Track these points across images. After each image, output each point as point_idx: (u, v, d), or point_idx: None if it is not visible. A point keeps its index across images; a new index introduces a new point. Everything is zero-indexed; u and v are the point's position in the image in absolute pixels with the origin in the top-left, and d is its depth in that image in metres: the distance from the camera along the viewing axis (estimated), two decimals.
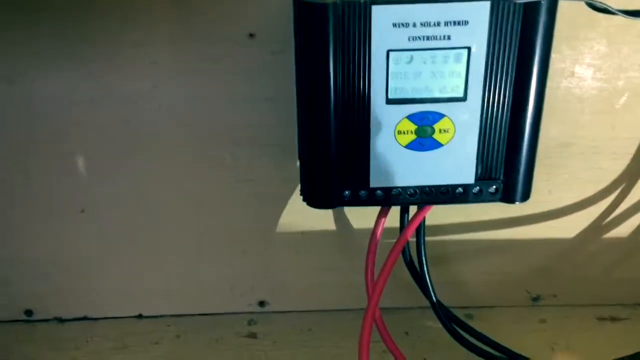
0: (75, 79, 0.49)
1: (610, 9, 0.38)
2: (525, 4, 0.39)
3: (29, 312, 0.59)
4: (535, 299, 0.60)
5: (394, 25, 0.39)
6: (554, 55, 0.42)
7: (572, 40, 0.49)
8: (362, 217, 0.54)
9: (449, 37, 0.40)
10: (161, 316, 0.60)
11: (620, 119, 0.52)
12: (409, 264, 0.52)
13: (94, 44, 0.48)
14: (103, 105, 0.50)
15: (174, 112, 0.50)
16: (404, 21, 0.39)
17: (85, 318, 0.60)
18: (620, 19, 0.41)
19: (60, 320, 0.60)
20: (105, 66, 0.49)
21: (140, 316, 0.60)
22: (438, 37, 0.40)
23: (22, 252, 0.56)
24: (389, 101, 0.42)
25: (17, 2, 0.46)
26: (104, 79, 0.49)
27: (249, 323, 0.59)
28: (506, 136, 0.43)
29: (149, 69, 0.49)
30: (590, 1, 0.38)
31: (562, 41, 0.48)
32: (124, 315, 0.60)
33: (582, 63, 0.49)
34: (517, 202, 0.45)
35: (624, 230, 0.57)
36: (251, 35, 0.48)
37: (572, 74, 0.50)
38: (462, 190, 0.45)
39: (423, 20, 0.39)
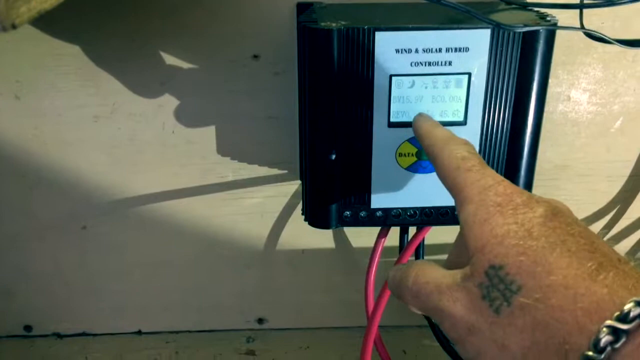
0: (81, 96, 0.50)
1: (607, 38, 0.39)
2: (524, 32, 0.39)
3: (28, 328, 0.59)
4: None
5: (397, 51, 0.40)
6: (550, 80, 0.43)
7: (568, 65, 0.50)
8: (361, 236, 0.55)
9: (450, 63, 0.41)
10: (160, 332, 0.60)
11: (615, 142, 0.53)
12: None
13: (102, 62, 0.48)
14: (108, 123, 0.51)
15: (178, 131, 0.51)
16: (406, 47, 0.40)
17: (84, 334, 0.60)
18: None
19: (59, 336, 0.60)
20: (112, 85, 0.49)
21: (139, 332, 0.60)
22: (439, 63, 0.41)
23: (22, 267, 0.56)
24: (391, 124, 0.42)
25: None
26: (110, 97, 0.50)
27: (248, 340, 0.59)
28: (505, 159, 0.44)
29: (155, 89, 0.49)
30: (587, 31, 0.39)
31: (558, 66, 0.49)
32: (123, 332, 0.60)
33: (578, 88, 0.50)
34: None
35: (620, 250, 0.57)
36: (255, 56, 0.49)
37: (568, 98, 0.51)
38: None
39: (425, 47, 0.40)
